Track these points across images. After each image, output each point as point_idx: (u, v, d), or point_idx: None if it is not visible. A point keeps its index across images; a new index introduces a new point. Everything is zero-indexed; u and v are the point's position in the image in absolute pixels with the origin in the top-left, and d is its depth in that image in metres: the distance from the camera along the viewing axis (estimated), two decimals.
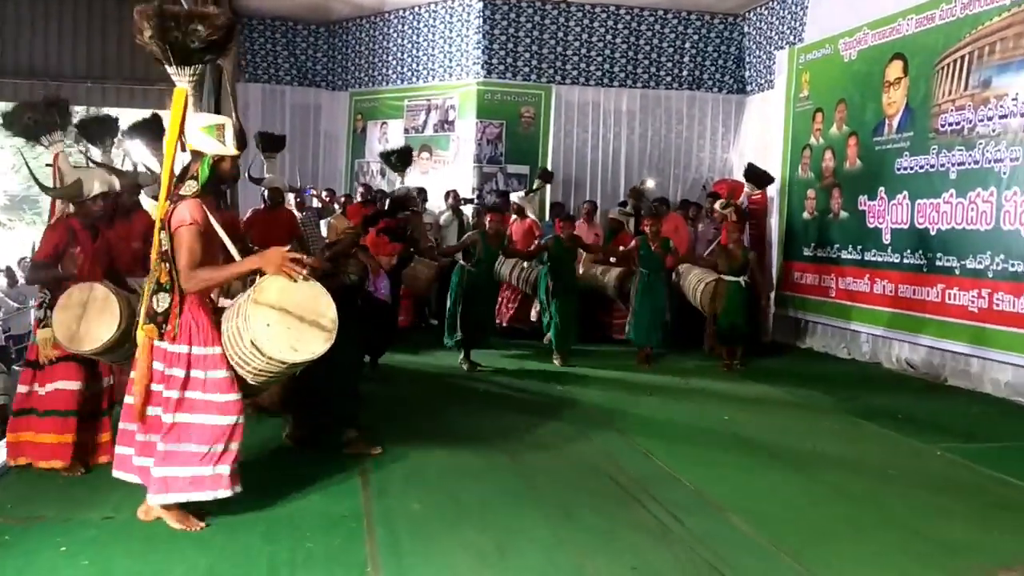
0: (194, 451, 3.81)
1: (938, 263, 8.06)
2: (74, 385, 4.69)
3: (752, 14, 12.54)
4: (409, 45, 13.19)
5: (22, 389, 4.77)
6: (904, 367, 8.58)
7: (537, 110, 12.54)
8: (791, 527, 4.22)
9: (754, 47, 12.63)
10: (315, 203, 11.32)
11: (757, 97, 12.56)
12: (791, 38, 11.30)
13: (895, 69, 8.76)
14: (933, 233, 8.16)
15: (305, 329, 3.75)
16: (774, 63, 11.61)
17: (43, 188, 4.84)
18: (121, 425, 4.05)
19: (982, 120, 7.61)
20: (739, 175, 12.47)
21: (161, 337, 3.81)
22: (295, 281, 3.76)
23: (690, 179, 12.91)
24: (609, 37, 12.68)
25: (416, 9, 12.99)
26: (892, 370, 8.69)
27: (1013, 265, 7.21)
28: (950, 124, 7.98)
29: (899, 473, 5.20)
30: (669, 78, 12.90)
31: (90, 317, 4.28)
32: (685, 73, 12.92)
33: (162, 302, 3.80)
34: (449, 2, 12.63)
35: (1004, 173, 7.37)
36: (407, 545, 3.85)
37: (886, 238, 8.78)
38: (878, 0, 9.24)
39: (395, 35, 13.34)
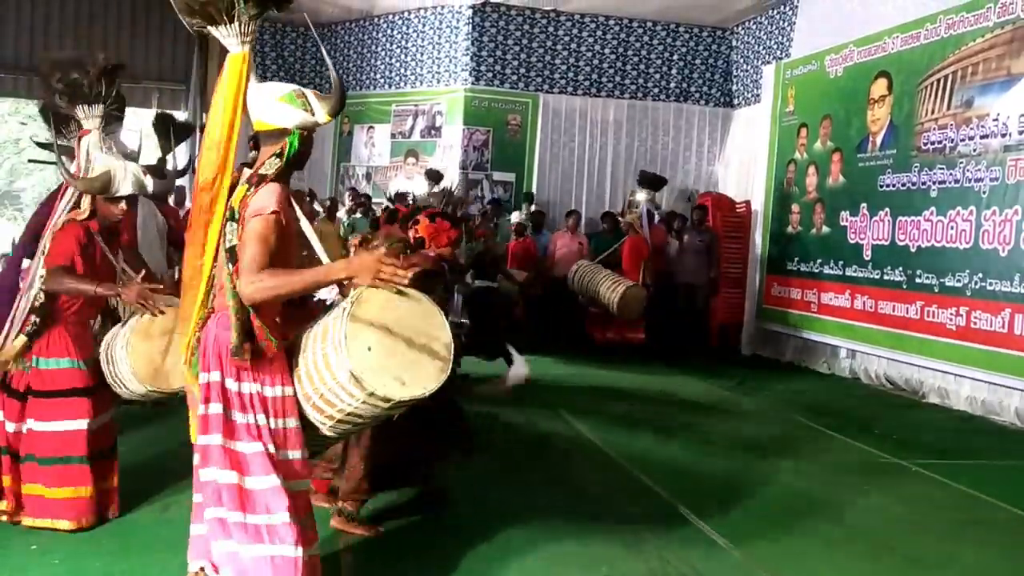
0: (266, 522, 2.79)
1: (917, 280, 8.12)
2: (81, 424, 3.85)
3: (740, 28, 12.62)
4: (398, 50, 13.19)
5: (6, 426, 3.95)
6: (882, 383, 8.63)
7: (524, 118, 12.56)
8: (762, 540, 4.23)
9: (741, 61, 12.71)
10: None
11: (743, 111, 12.63)
12: (778, 53, 11.38)
13: (880, 86, 8.83)
14: (913, 251, 8.22)
15: (415, 356, 2.78)
16: (761, 77, 11.67)
17: (68, 176, 3.88)
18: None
19: (963, 140, 7.68)
20: (724, 188, 12.58)
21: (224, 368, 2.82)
22: (399, 293, 2.82)
23: (676, 191, 12.96)
24: (598, 47, 12.73)
25: (405, 15, 13.00)
26: (870, 386, 8.74)
27: (991, 284, 7.27)
28: (932, 143, 8.05)
29: (873, 488, 5.23)
30: (656, 89, 12.96)
31: (176, 347, 3.40)
32: (672, 85, 12.99)
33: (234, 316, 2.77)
34: (439, 8, 12.64)
35: (984, 193, 7.44)
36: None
37: (867, 254, 8.84)
38: (864, 18, 9.33)
39: (384, 40, 13.34)
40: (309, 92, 2.86)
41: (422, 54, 12.91)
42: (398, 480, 4.35)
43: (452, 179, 12.28)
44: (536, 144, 12.58)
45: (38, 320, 3.85)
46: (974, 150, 7.56)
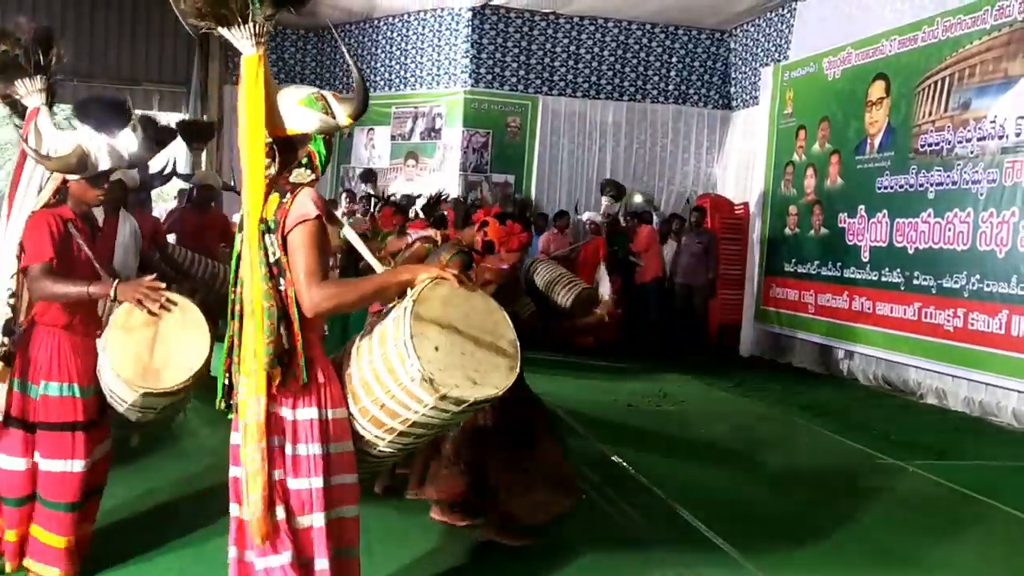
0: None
1: (915, 282, 8.15)
2: (78, 465, 3.27)
3: (738, 30, 12.65)
4: (397, 52, 13.21)
5: (14, 464, 3.32)
6: (880, 384, 8.65)
7: (523, 120, 12.59)
8: (761, 541, 4.25)
9: (740, 63, 12.74)
10: None
11: (742, 113, 12.66)
12: (776, 55, 11.41)
13: (877, 89, 8.86)
14: (911, 252, 8.25)
15: (483, 355, 2.63)
16: (759, 79, 11.70)
17: (38, 155, 3.26)
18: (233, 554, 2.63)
19: (961, 142, 7.70)
20: (723, 189, 12.61)
21: (278, 395, 2.56)
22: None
23: (674, 192, 12.99)
24: (597, 49, 12.76)
25: (405, 17, 13.02)
26: (868, 386, 8.76)
27: (988, 285, 7.30)
28: (930, 145, 8.08)
29: (871, 488, 5.25)
30: (655, 91, 12.99)
31: (168, 339, 3.09)
32: (671, 87, 13.01)
33: (287, 337, 2.55)
34: (438, 11, 12.66)
35: (981, 194, 7.47)
36: None
37: (865, 256, 8.87)
38: (862, 20, 9.36)
39: (384, 42, 13.36)
40: (329, 94, 2.70)
41: (422, 56, 12.93)
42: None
43: (449, 182, 12.33)
44: (535, 146, 12.60)
45: (8, 340, 3.24)
46: (971, 152, 7.58)
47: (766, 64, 11.48)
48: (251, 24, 2.58)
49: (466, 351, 2.59)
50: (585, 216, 10.81)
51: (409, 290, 2.61)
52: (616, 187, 11.38)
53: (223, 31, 2.59)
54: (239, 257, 2.65)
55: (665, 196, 12.96)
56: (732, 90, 13.02)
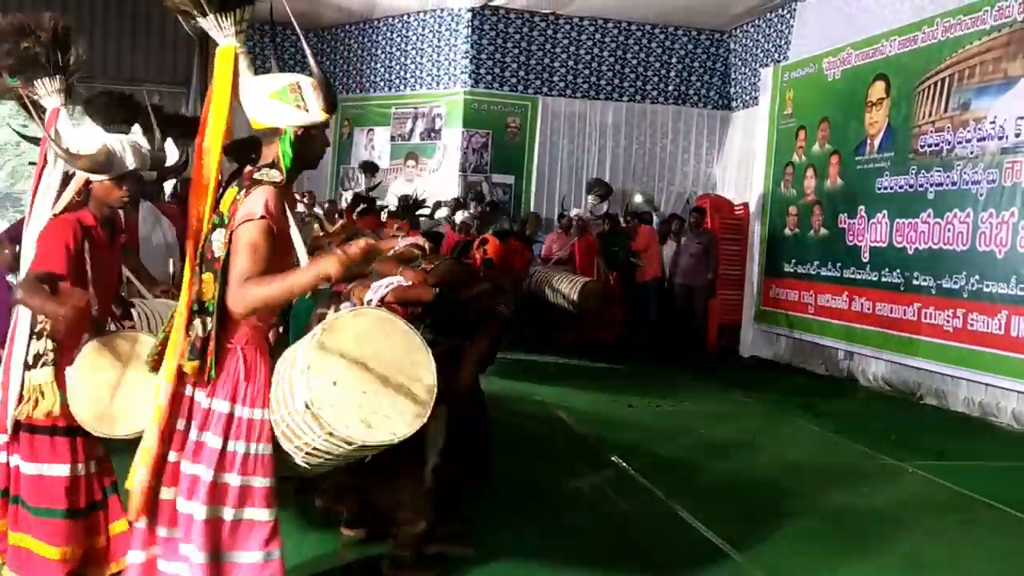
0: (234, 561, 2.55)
1: (915, 282, 8.15)
2: (62, 469, 3.06)
3: (738, 31, 12.66)
4: (397, 53, 13.22)
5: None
6: (880, 384, 8.65)
7: (523, 121, 12.59)
8: (761, 541, 4.26)
9: (739, 63, 12.74)
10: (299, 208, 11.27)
11: (741, 113, 12.66)
12: (776, 56, 11.41)
13: (877, 89, 8.87)
14: (911, 252, 8.25)
15: (388, 397, 2.48)
16: (759, 80, 11.71)
17: (66, 154, 3.01)
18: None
19: (960, 142, 7.71)
20: (723, 190, 12.62)
21: (196, 383, 2.56)
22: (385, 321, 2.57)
23: (674, 193, 13.00)
24: (596, 50, 12.76)
25: (405, 18, 13.03)
26: (868, 387, 8.76)
27: (987, 286, 7.30)
28: (929, 145, 8.08)
29: (871, 489, 5.26)
30: (655, 92, 12.99)
31: (132, 386, 2.89)
32: (671, 88, 13.02)
33: (205, 328, 2.52)
34: (438, 11, 12.67)
35: (981, 195, 7.47)
36: None
37: (864, 256, 8.87)
38: (862, 20, 9.36)
39: (383, 43, 13.37)
40: (307, 83, 2.55)
41: (422, 57, 12.94)
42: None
43: (449, 183, 12.34)
44: (535, 146, 12.61)
45: (53, 345, 3.02)
46: (971, 152, 7.59)
47: (766, 65, 11.48)
48: (229, 14, 2.57)
49: (368, 390, 2.46)
50: (573, 212, 10.76)
51: (332, 310, 2.58)
52: (603, 187, 11.41)
53: (201, 21, 2.58)
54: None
55: (665, 196, 12.97)
56: (732, 91, 13.02)
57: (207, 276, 2.52)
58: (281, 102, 2.55)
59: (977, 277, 7.42)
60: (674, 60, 12.97)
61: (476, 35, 12.34)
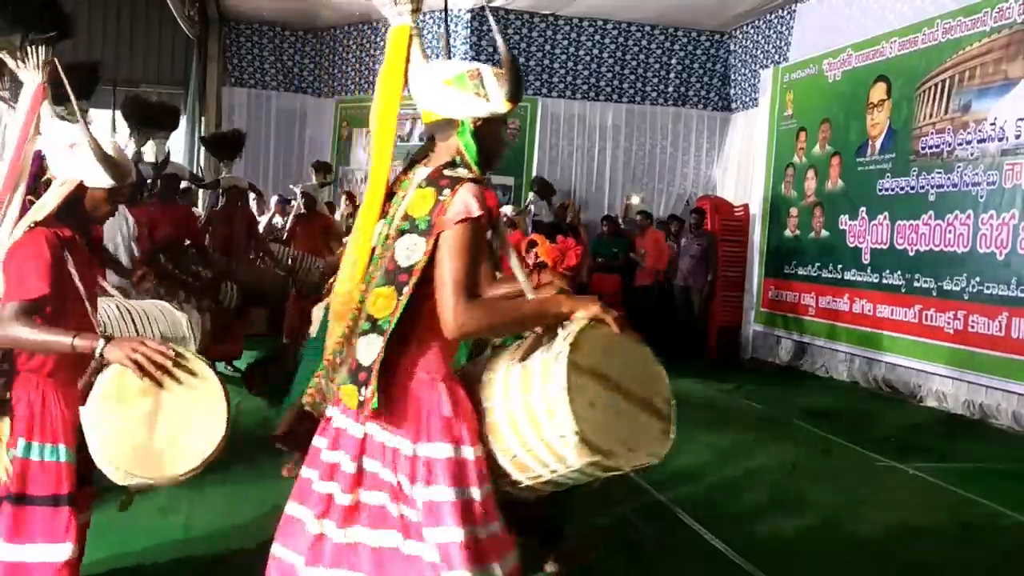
0: None
1: (916, 284, 8.14)
2: (61, 553, 2.45)
3: (738, 32, 12.64)
4: None
5: None
6: (880, 386, 8.64)
7: (523, 122, 12.58)
8: (760, 542, 4.24)
9: (739, 65, 12.73)
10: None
11: (741, 114, 12.65)
12: (776, 57, 11.40)
13: (879, 91, 8.86)
14: (912, 254, 8.24)
15: (637, 415, 2.20)
16: (759, 81, 11.70)
17: (106, 160, 2.52)
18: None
19: (961, 144, 7.70)
20: (723, 191, 12.61)
21: (360, 408, 2.12)
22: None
23: (674, 194, 12.98)
24: (596, 51, 12.75)
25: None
26: (868, 388, 8.75)
27: (988, 287, 7.29)
28: (930, 147, 8.07)
29: (871, 491, 5.24)
30: (655, 93, 12.98)
31: (173, 412, 2.36)
32: (671, 89, 13.00)
33: (370, 349, 2.11)
34: (437, 13, 12.65)
35: (981, 196, 7.46)
36: None
37: (866, 258, 8.86)
38: (862, 22, 9.36)
39: (383, 43, 13.18)
40: (488, 71, 2.22)
41: None
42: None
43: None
44: (535, 148, 12.60)
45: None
46: (971, 154, 7.57)
47: (766, 66, 11.48)
48: None
49: (621, 409, 2.16)
50: (506, 210, 10.49)
51: (561, 328, 2.17)
52: (542, 184, 11.32)
53: (374, 1, 2.31)
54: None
55: (665, 198, 12.96)
56: (732, 92, 13.01)
57: (385, 290, 2.12)
58: (459, 90, 2.21)
59: (978, 279, 7.41)
60: (674, 61, 12.96)
61: (475, 36, 12.33)
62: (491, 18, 2.42)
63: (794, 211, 10.15)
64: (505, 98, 2.19)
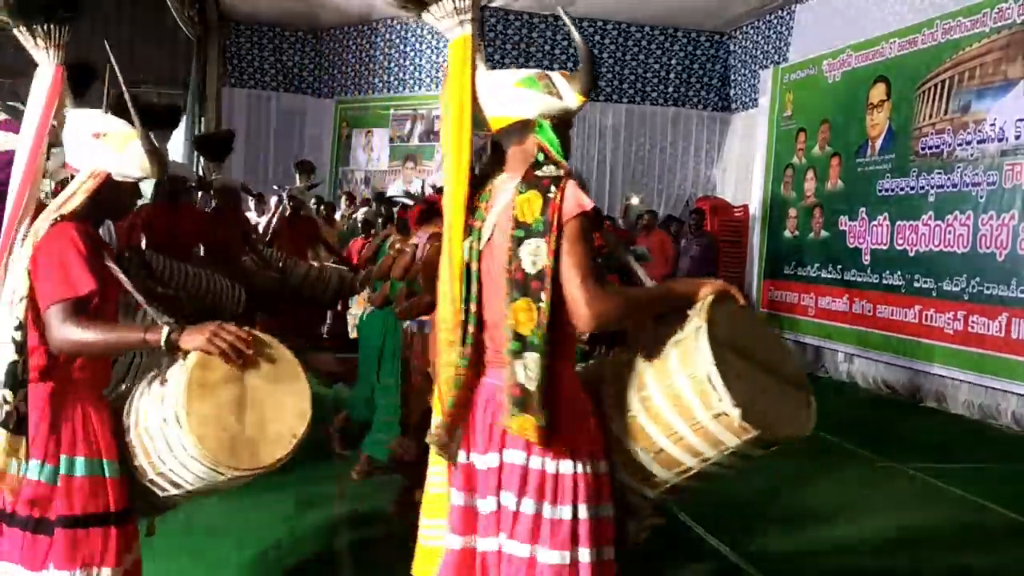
0: None
1: (916, 284, 8.13)
2: None
3: (738, 32, 12.65)
4: (396, 54, 13.21)
5: None
6: (880, 387, 8.63)
7: None
8: (759, 543, 4.24)
9: (739, 65, 12.73)
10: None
11: (741, 115, 12.65)
12: (776, 57, 11.40)
13: (878, 91, 8.85)
14: (912, 255, 8.23)
15: (778, 386, 2.15)
16: (758, 82, 11.70)
17: (157, 155, 2.40)
18: None
19: (961, 144, 7.69)
20: (722, 192, 12.62)
21: (539, 436, 2.02)
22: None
23: (673, 195, 12.99)
24: (596, 52, 12.74)
25: (404, 19, 13.01)
26: (868, 390, 8.74)
27: (988, 288, 7.29)
28: (930, 147, 8.07)
29: (871, 492, 5.24)
30: (655, 94, 12.99)
31: (260, 398, 2.26)
32: (670, 89, 13.01)
33: (530, 372, 2.01)
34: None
35: (981, 197, 7.45)
36: None
37: (865, 258, 8.85)
38: (862, 22, 9.35)
39: (382, 44, 13.36)
40: (554, 74, 2.24)
41: (421, 58, 12.93)
42: None
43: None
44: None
45: (12, 395, 2.19)
46: (971, 155, 7.57)
47: (765, 66, 11.48)
48: (449, 3, 2.24)
49: (762, 382, 2.08)
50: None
51: (690, 310, 2.10)
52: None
53: (425, 16, 2.27)
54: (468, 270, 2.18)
55: (664, 199, 12.96)
56: (731, 92, 13.02)
57: (521, 303, 2.03)
58: (531, 90, 2.19)
59: (978, 279, 7.40)
60: (674, 62, 12.96)
61: (475, 37, 12.32)
62: (565, 16, 2.31)
63: (793, 212, 10.15)
64: (577, 92, 2.19)
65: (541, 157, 2.14)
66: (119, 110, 2.56)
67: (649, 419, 2.08)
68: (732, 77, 12.97)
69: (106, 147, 2.32)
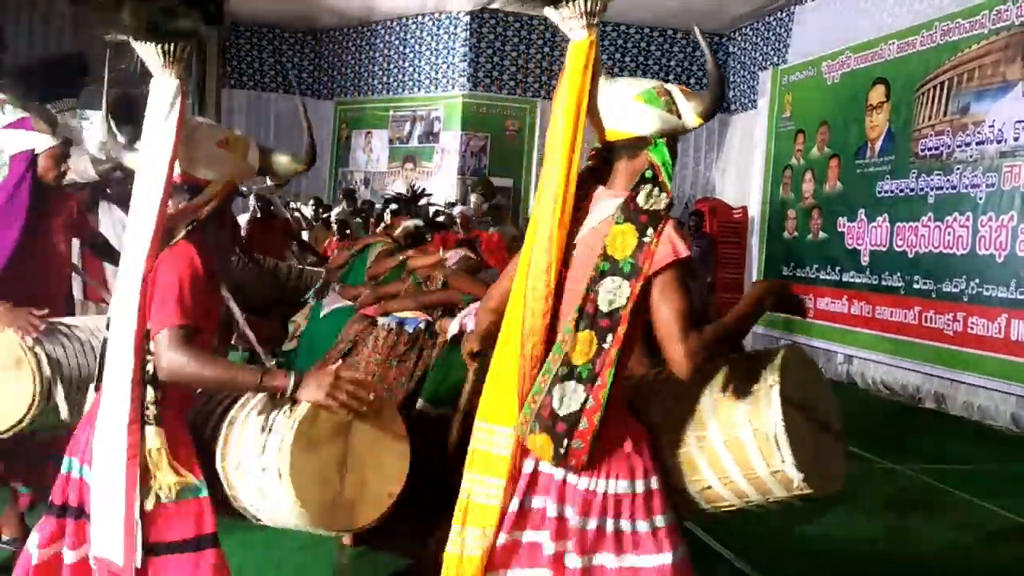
0: None
1: (915, 286, 8.14)
2: None
3: (737, 34, 12.66)
4: (395, 56, 13.22)
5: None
6: (879, 388, 8.64)
7: (522, 123, 12.59)
8: (758, 543, 4.24)
9: (738, 67, 12.74)
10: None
11: (740, 116, 12.66)
12: (775, 59, 11.41)
13: (878, 93, 8.86)
14: (911, 256, 8.24)
15: (824, 440, 2.19)
16: (758, 83, 11.71)
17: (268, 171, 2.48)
18: None
19: (960, 146, 7.70)
20: (721, 193, 12.62)
21: (562, 462, 1.99)
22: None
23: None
24: None
25: (403, 20, 13.02)
26: (867, 391, 8.75)
27: (987, 289, 7.30)
28: (929, 149, 8.08)
29: (869, 492, 5.24)
30: None
31: (362, 456, 2.17)
32: None
33: (568, 400, 1.98)
34: (436, 14, 12.67)
35: (980, 198, 7.47)
36: None
37: (864, 260, 8.86)
38: (861, 24, 9.37)
39: (381, 45, 13.37)
40: (674, 88, 2.16)
41: (420, 60, 12.94)
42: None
43: (447, 186, 12.31)
44: (534, 149, 12.60)
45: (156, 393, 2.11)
46: (970, 156, 7.58)
47: (764, 68, 11.49)
48: (581, 3, 2.16)
49: (817, 437, 2.10)
50: (457, 211, 10.35)
51: (759, 358, 2.09)
52: (487, 185, 11.26)
53: (549, 13, 2.19)
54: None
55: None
56: (730, 94, 13.02)
57: (585, 335, 1.98)
58: (651, 106, 2.13)
59: (977, 280, 7.42)
60: (672, 63, 12.98)
61: (475, 38, 12.34)
62: (698, 34, 2.22)
63: (792, 213, 10.16)
64: (697, 114, 2.13)
65: (648, 174, 2.07)
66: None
67: (703, 458, 2.09)
68: (731, 78, 12.97)
69: (230, 156, 2.29)
